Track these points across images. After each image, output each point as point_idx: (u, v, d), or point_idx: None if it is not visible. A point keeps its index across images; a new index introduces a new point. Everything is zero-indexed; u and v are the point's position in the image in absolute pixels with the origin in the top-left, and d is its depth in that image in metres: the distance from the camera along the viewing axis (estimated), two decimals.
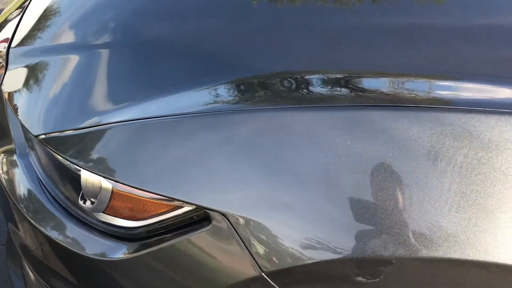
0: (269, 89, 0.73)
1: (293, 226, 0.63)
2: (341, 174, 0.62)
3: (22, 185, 0.89)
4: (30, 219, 0.85)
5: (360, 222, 0.61)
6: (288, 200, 0.63)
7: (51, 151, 0.78)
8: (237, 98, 0.73)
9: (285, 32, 0.81)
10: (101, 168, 0.72)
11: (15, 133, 0.91)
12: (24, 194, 0.88)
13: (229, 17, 0.88)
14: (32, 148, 0.89)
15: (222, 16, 0.89)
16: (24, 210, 0.87)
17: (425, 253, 0.58)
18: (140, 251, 0.71)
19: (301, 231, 0.63)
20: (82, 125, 0.75)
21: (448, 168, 0.60)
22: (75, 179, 0.81)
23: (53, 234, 0.82)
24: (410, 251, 0.59)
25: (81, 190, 0.79)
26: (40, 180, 0.88)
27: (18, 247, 1.01)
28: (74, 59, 0.86)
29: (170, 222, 0.71)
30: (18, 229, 0.94)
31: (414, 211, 0.60)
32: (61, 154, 0.76)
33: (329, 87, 0.71)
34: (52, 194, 0.86)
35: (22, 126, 0.88)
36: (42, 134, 0.78)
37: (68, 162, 0.76)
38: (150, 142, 0.71)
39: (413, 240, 0.59)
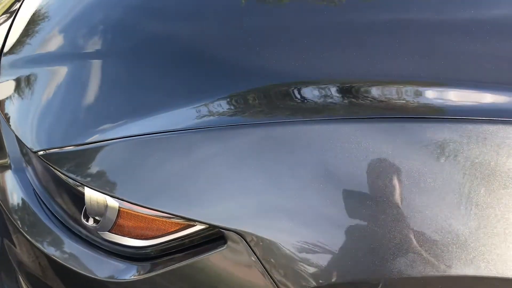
0: (268, 101, 0.70)
1: (312, 246, 0.60)
2: (358, 190, 0.60)
3: (19, 202, 0.85)
4: (30, 239, 0.81)
5: (382, 242, 0.59)
6: (307, 218, 0.61)
7: (52, 168, 0.74)
8: (242, 111, 0.70)
9: (280, 41, 0.78)
10: (106, 185, 0.69)
11: (10, 147, 0.87)
12: (21, 211, 0.84)
13: (223, 29, 0.84)
14: (29, 163, 0.85)
15: (217, 25, 0.84)
16: (23, 228, 0.83)
17: (453, 271, 0.57)
18: (151, 271, 0.68)
19: (320, 251, 0.60)
20: (83, 141, 0.72)
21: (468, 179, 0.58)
22: (76, 196, 0.78)
23: (55, 254, 0.78)
24: (438, 269, 0.57)
25: (82, 207, 0.76)
26: (38, 196, 0.84)
27: (15, 263, 0.97)
28: (69, 70, 0.82)
29: (182, 241, 0.68)
30: (15, 246, 0.90)
31: (438, 230, 0.58)
32: (63, 171, 0.72)
33: (326, 97, 0.68)
34: (52, 211, 0.82)
35: (18, 140, 0.84)
36: (41, 150, 0.74)
37: (71, 180, 0.73)
38: (157, 158, 0.68)
39: (440, 257, 0.58)
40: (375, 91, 0.67)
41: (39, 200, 0.84)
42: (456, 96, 0.66)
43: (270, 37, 0.78)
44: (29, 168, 0.85)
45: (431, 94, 0.66)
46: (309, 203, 0.61)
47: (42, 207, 0.83)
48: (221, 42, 0.80)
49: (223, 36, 0.81)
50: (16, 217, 0.84)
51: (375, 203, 0.59)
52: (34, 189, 0.85)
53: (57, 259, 0.77)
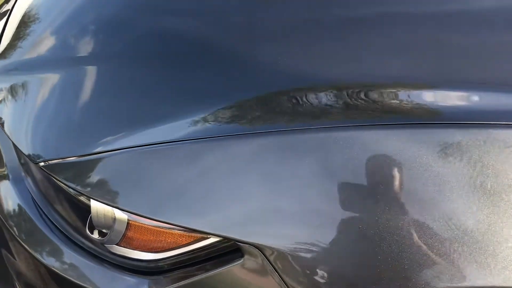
0: (272, 108, 0.67)
1: (335, 259, 0.58)
2: (377, 201, 0.58)
3: (19, 213, 0.81)
4: (32, 252, 0.78)
5: (404, 255, 0.57)
6: (328, 231, 0.59)
7: (55, 179, 0.70)
8: (250, 120, 0.67)
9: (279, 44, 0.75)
10: (113, 198, 0.66)
11: (7, 157, 0.83)
12: (21, 223, 0.81)
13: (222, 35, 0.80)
14: (28, 173, 0.81)
15: (217, 33, 0.81)
16: (23, 239, 0.80)
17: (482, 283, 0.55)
18: (165, 286, 0.65)
19: (344, 264, 0.58)
20: (86, 152, 0.68)
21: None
22: (80, 207, 0.75)
23: (59, 268, 0.75)
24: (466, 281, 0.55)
25: (86, 218, 0.73)
26: (39, 206, 0.81)
27: (14, 274, 0.94)
28: (69, 77, 0.79)
29: (195, 254, 0.65)
30: (15, 259, 0.86)
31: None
32: (67, 183, 0.69)
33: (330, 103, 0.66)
34: (54, 222, 0.79)
35: (16, 149, 0.80)
36: (43, 161, 0.71)
37: (73, 191, 0.69)
38: (165, 169, 0.65)
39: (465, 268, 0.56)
40: (376, 95, 0.65)
41: (40, 211, 0.80)
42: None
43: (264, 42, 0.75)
44: (28, 178, 0.82)
45: (444, 98, 0.64)
46: (331, 215, 0.59)
47: (43, 219, 0.79)
48: (223, 48, 0.77)
49: (224, 40, 0.78)
50: (16, 229, 0.81)
51: (395, 215, 0.57)
52: (34, 200, 0.82)
53: (63, 274, 0.74)
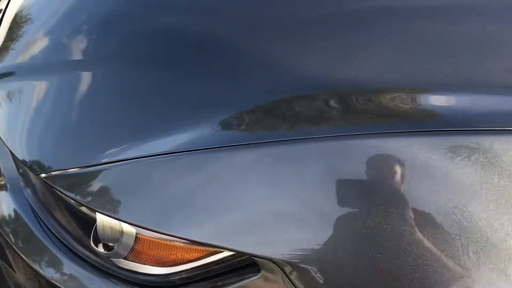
0: (273, 117, 0.65)
1: (362, 274, 0.56)
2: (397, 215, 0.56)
3: (18, 224, 0.78)
4: (32, 264, 0.75)
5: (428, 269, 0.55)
6: (349, 246, 0.56)
7: (58, 192, 0.67)
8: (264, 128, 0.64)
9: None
10: (120, 211, 0.63)
11: (5, 166, 0.79)
12: (21, 235, 0.78)
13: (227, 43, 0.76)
14: (28, 183, 0.78)
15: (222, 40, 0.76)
16: (23, 252, 0.77)
17: None
18: None
19: (368, 278, 0.56)
20: (90, 163, 0.65)
21: None
22: (83, 219, 0.72)
23: (61, 281, 0.72)
24: None
25: (90, 230, 0.70)
26: (39, 218, 0.78)
27: (12, 286, 0.91)
28: (70, 83, 0.75)
29: (208, 269, 0.63)
30: (15, 271, 0.83)
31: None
32: (71, 195, 0.66)
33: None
34: (56, 234, 0.76)
35: (14, 159, 0.77)
36: (44, 173, 0.67)
37: (80, 204, 0.66)
38: (173, 181, 0.62)
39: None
40: (378, 100, 0.63)
41: (41, 222, 0.77)
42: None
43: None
44: (28, 189, 0.78)
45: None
46: (348, 229, 0.57)
47: (44, 230, 0.76)
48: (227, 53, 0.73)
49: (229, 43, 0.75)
50: (15, 240, 0.78)
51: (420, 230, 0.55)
52: (33, 211, 0.78)
53: None
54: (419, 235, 0.55)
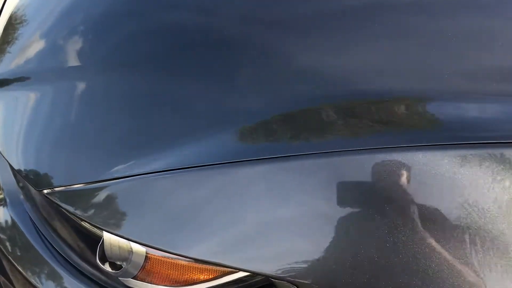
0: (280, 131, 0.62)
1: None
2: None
3: (18, 240, 0.75)
4: (34, 282, 0.72)
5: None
6: (367, 264, 0.54)
7: (62, 209, 0.64)
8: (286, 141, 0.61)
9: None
10: (128, 229, 0.60)
11: (4, 179, 0.76)
12: (22, 251, 0.74)
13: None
14: (28, 197, 0.74)
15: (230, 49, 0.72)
16: (25, 269, 0.73)
17: None
18: None
19: None
20: (95, 179, 0.62)
21: None
22: (87, 235, 0.69)
23: None
24: None
25: (95, 246, 0.67)
26: (41, 233, 0.74)
27: None
28: (72, 91, 0.71)
29: None
30: (14, 287, 0.80)
31: None
32: (75, 212, 0.63)
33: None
34: (59, 251, 0.73)
35: (14, 172, 0.73)
36: (46, 189, 0.64)
37: (85, 222, 0.63)
38: (185, 198, 0.59)
39: None
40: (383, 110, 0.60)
41: (42, 238, 0.74)
42: None
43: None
44: (28, 203, 0.75)
45: None
46: (367, 249, 0.54)
47: (47, 247, 0.73)
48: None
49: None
50: (16, 257, 0.74)
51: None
52: (34, 225, 0.75)
53: None
54: (429, 249, 0.53)
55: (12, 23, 0.97)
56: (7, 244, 0.76)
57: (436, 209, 0.53)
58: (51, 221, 0.73)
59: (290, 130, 0.60)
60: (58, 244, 0.74)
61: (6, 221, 0.75)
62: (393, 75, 0.63)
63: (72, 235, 0.72)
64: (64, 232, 0.73)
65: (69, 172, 0.65)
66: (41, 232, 0.75)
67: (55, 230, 0.74)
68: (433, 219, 0.53)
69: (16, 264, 0.74)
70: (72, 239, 0.72)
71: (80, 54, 0.78)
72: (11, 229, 0.76)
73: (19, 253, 0.75)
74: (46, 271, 0.72)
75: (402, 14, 0.69)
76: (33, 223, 0.75)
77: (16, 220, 0.75)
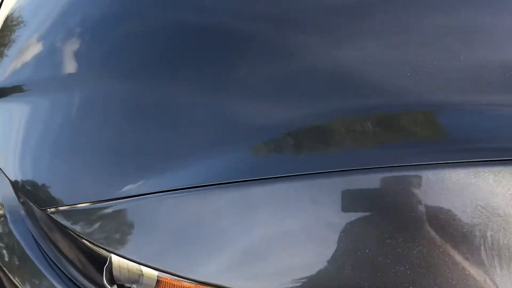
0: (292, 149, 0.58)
1: None
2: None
3: (19, 258, 0.72)
4: None
5: None
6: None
7: (68, 230, 0.61)
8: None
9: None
10: (137, 252, 0.57)
11: (4, 195, 0.72)
12: (23, 269, 0.71)
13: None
14: (29, 213, 0.71)
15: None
16: None
17: None
18: None
19: None
20: (102, 198, 0.59)
21: None
22: (93, 255, 0.66)
23: None
24: None
25: (101, 265, 0.64)
26: (43, 250, 0.71)
27: None
28: (77, 104, 0.67)
29: None
30: None
31: None
32: (81, 234, 0.59)
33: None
34: (61, 269, 0.70)
35: (14, 187, 0.70)
36: (50, 207, 0.61)
37: (94, 246, 0.60)
38: (197, 219, 0.55)
39: None
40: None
41: (45, 256, 0.71)
42: None
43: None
44: (29, 219, 0.72)
45: None
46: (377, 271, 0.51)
47: (51, 266, 0.70)
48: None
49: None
50: (18, 276, 0.71)
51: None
52: (36, 242, 0.72)
53: None
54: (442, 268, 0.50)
55: (9, 25, 0.93)
56: (8, 260, 0.73)
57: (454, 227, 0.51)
58: (53, 238, 0.70)
59: (299, 146, 0.57)
60: (60, 261, 0.71)
61: (6, 237, 0.72)
62: (409, 86, 0.59)
63: (75, 253, 0.69)
64: (67, 249, 0.69)
65: (73, 190, 0.62)
66: (43, 249, 0.72)
67: (57, 247, 0.70)
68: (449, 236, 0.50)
69: (16, 283, 0.71)
70: (75, 257, 0.69)
71: (81, 62, 0.74)
72: (11, 245, 0.73)
73: (20, 270, 0.72)
74: None
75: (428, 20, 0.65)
76: (35, 240, 0.72)
77: (17, 236, 0.72)
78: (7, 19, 0.92)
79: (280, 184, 0.54)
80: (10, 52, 0.84)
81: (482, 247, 0.50)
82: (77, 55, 0.75)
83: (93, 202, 0.59)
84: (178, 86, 0.66)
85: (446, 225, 0.51)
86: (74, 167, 0.63)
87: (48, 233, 0.70)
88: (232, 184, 0.56)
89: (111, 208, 0.59)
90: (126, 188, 0.59)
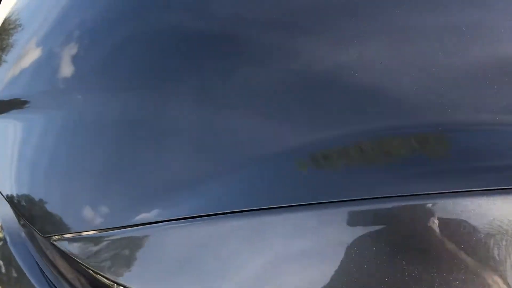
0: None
1: None
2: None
3: (21, 283, 0.69)
4: None
5: None
6: None
7: (72, 257, 0.58)
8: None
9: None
10: (142, 284, 0.54)
11: (3, 216, 0.69)
12: None
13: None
14: (30, 237, 0.68)
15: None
16: None
17: None
18: None
19: None
20: (108, 226, 0.57)
21: None
22: (96, 284, 0.63)
23: None
24: None
25: None
26: (44, 274, 0.68)
27: None
28: (83, 123, 0.64)
29: None
30: None
31: None
32: (88, 263, 0.57)
33: None
34: None
35: (14, 210, 0.67)
36: (54, 235, 0.58)
37: (97, 275, 0.58)
38: (206, 250, 0.53)
39: None
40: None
41: (47, 280, 0.68)
42: None
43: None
44: (30, 242, 0.69)
45: None
46: None
47: None
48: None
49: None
50: None
51: None
52: (38, 266, 0.69)
53: None
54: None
55: (6, 29, 0.90)
56: (7, 282, 0.70)
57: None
58: (55, 263, 0.67)
59: (309, 173, 0.54)
60: (61, 286, 0.68)
61: (6, 261, 0.69)
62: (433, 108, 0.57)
63: (79, 278, 0.67)
64: (69, 274, 0.67)
65: (78, 217, 0.59)
66: (43, 272, 0.69)
67: (59, 272, 0.68)
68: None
69: None
70: (77, 282, 0.67)
71: (81, 75, 0.70)
72: (12, 269, 0.70)
73: None
74: None
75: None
76: (36, 263, 0.69)
77: (17, 259, 0.69)
78: (5, 22, 0.89)
79: (290, 214, 0.52)
80: (8, 58, 0.81)
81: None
82: (77, 65, 0.72)
83: (100, 230, 0.57)
84: (185, 109, 0.63)
85: (458, 255, 0.49)
86: (77, 193, 0.61)
87: (49, 256, 0.67)
88: (239, 213, 0.53)
89: (116, 236, 0.57)
90: (134, 215, 0.56)
